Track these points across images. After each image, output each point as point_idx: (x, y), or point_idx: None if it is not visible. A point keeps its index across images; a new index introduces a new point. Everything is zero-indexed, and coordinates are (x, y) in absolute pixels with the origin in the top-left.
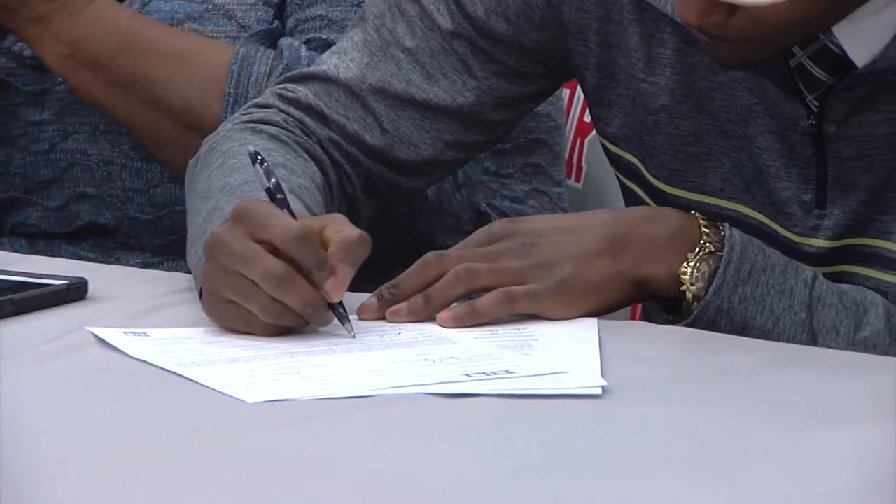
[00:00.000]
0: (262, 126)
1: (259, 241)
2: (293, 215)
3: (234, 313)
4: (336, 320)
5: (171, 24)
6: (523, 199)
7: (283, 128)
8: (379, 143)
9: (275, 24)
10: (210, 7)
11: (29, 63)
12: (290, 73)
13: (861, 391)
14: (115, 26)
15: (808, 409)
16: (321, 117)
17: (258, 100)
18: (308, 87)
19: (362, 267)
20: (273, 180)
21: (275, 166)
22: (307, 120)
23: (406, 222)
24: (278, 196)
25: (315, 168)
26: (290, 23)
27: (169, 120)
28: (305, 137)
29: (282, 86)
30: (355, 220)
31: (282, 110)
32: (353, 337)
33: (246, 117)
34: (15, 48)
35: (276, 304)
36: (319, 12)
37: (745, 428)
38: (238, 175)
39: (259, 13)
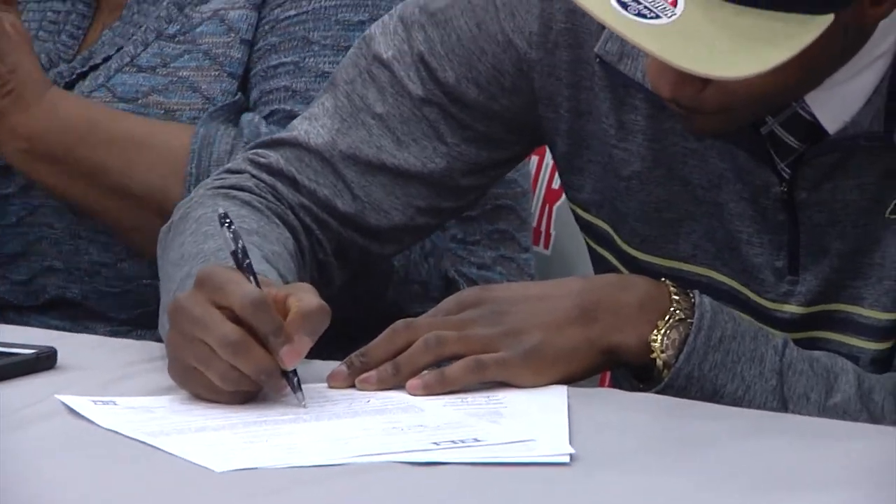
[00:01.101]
0: (234, 192)
1: (219, 307)
2: (257, 281)
3: (197, 379)
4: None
5: (136, 97)
6: (490, 265)
7: (255, 194)
8: (350, 209)
9: (238, 97)
10: (174, 79)
11: None
12: (261, 139)
13: (833, 458)
14: (70, 118)
15: (779, 476)
16: (292, 183)
17: (230, 165)
18: (279, 152)
19: (333, 336)
20: (240, 244)
21: (248, 233)
22: (279, 186)
23: (375, 292)
24: (244, 261)
25: (287, 234)
26: (255, 94)
27: (133, 207)
28: (277, 203)
29: (253, 151)
30: (328, 286)
31: (254, 176)
32: (305, 406)
33: (218, 183)
34: None
35: (234, 371)
36: (283, 83)
37: (716, 496)
38: (212, 242)
39: (223, 85)
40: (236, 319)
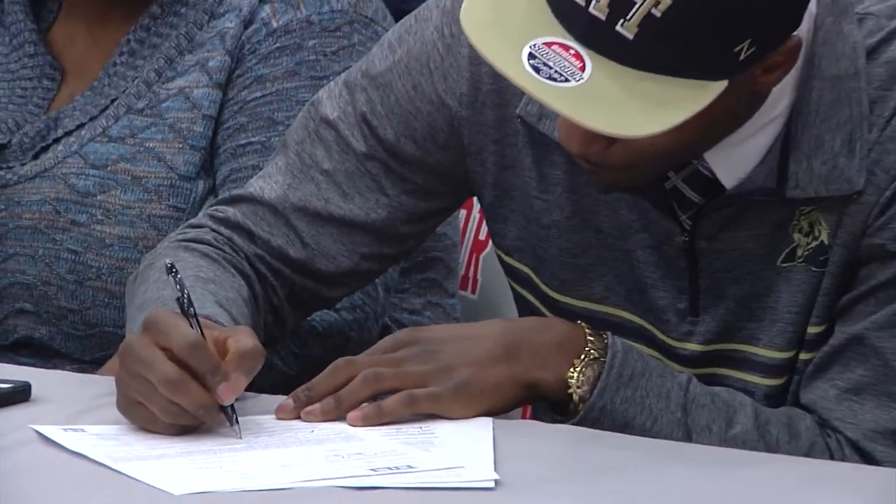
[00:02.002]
0: (194, 244)
1: (162, 348)
2: (199, 324)
3: (140, 413)
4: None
5: (106, 164)
6: (420, 310)
7: (213, 246)
8: (301, 256)
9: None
10: (141, 150)
11: None
12: (220, 197)
13: (732, 484)
14: None
15: (685, 499)
16: (248, 235)
17: (192, 220)
18: (236, 207)
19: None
20: (185, 292)
21: (205, 281)
22: (235, 237)
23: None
24: (188, 307)
25: (242, 282)
26: (225, 170)
27: None
28: (234, 254)
29: (213, 208)
30: (282, 328)
31: (213, 229)
32: (240, 438)
33: (181, 236)
34: None
35: (173, 406)
36: (251, 162)
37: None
38: (170, 289)
39: (186, 156)
40: (177, 360)
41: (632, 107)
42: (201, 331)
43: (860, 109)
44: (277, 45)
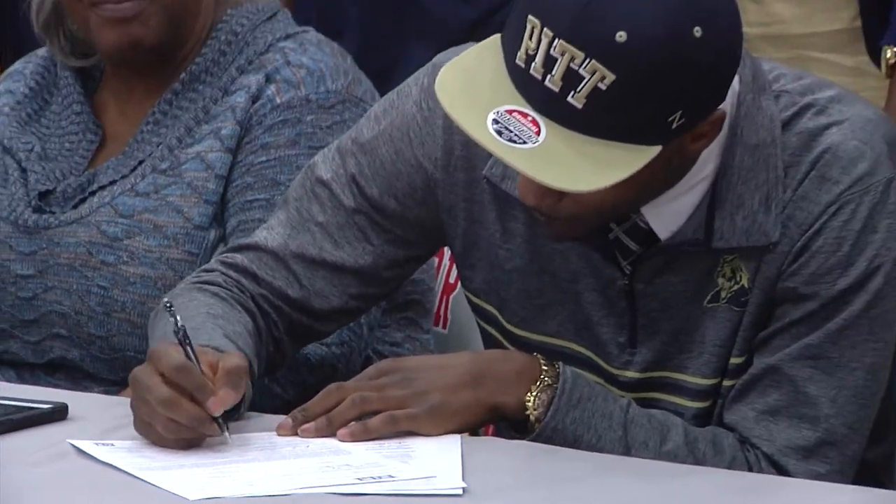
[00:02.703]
0: (206, 286)
1: (160, 374)
2: (194, 352)
3: (150, 431)
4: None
5: (132, 214)
6: (400, 343)
7: (223, 287)
8: (298, 296)
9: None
10: (163, 203)
11: (22, 227)
12: (230, 245)
13: (665, 492)
14: None
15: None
16: (254, 277)
17: (206, 266)
18: (244, 254)
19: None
20: (180, 325)
21: (215, 317)
22: (243, 280)
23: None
24: (184, 338)
25: (247, 318)
26: (234, 222)
27: None
28: (241, 294)
29: (224, 255)
30: (282, 357)
31: (223, 273)
32: (229, 443)
33: (196, 279)
34: (12, 216)
35: (172, 422)
36: (257, 216)
37: None
38: (187, 323)
39: (200, 209)
40: (171, 382)
41: (579, 166)
42: (195, 357)
43: (776, 173)
44: (280, 118)
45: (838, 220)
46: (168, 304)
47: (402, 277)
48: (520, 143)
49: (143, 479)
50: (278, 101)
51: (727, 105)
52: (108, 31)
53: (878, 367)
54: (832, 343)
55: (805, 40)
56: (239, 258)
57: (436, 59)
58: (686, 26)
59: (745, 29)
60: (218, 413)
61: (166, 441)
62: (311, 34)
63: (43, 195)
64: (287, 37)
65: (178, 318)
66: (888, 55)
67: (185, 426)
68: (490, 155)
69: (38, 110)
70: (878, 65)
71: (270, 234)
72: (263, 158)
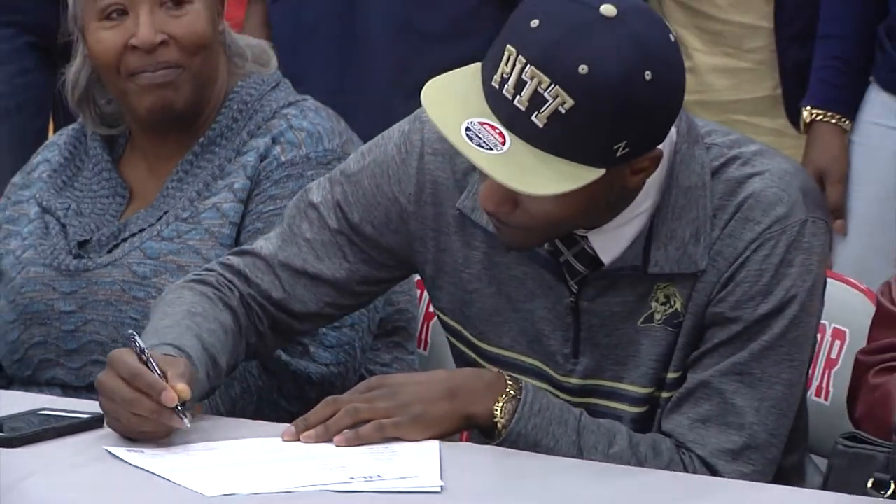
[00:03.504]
0: (196, 285)
1: (121, 378)
2: (153, 362)
3: (119, 427)
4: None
5: (159, 256)
6: (389, 363)
7: (213, 286)
8: (280, 298)
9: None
10: (184, 246)
11: (63, 271)
12: (233, 250)
13: (611, 489)
14: None
15: (585, 497)
16: (245, 279)
17: (207, 265)
18: (241, 258)
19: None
20: (139, 346)
21: (193, 315)
22: (235, 280)
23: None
24: (142, 352)
25: (227, 315)
26: None
27: None
28: (230, 293)
29: (226, 257)
30: (266, 348)
31: (219, 273)
32: (187, 427)
33: (191, 277)
34: (55, 262)
35: (135, 417)
36: None
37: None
38: (167, 320)
39: (217, 251)
40: (128, 384)
41: (533, 174)
42: (156, 365)
43: (705, 212)
44: (285, 173)
45: (759, 255)
46: (130, 334)
47: (372, 294)
48: (486, 149)
49: (167, 479)
50: (283, 159)
51: (666, 151)
52: (145, 96)
53: (795, 382)
54: (755, 361)
55: (733, 106)
56: (236, 261)
57: (417, 111)
58: (639, 69)
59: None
60: (171, 404)
61: (135, 433)
62: (310, 101)
63: (81, 244)
64: (289, 104)
65: (135, 339)
66: (804, 115)
67: (147, 418)
68: (455, 195)
69: (72, 176)
70: (797, 127)
71: (266, 243)
72: (271, 207)
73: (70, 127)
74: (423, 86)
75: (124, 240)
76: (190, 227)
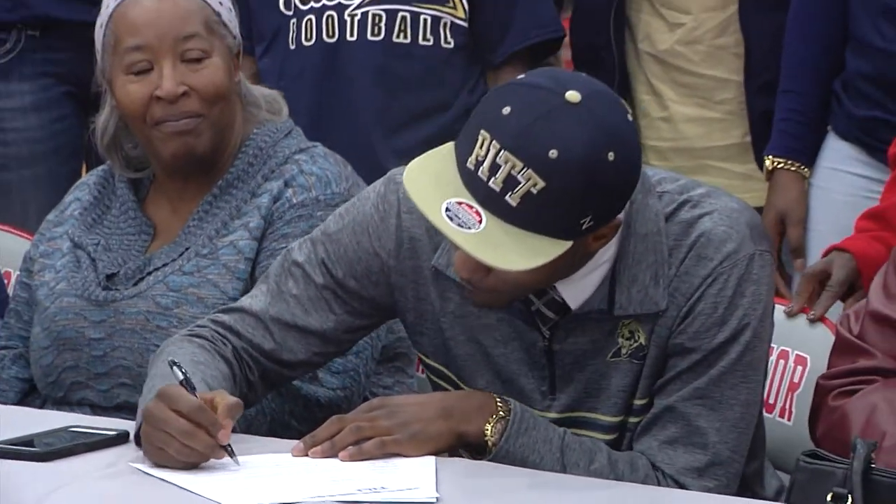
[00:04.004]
0: (195, 338)
1: (174, 410)
2: (195, 392)
3: (161, 455)
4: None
5: (180, 289)
6: (391, 386)
7: (208, 340)
8: (271, 349)
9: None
10: (204, 280)
11: (93, 302)
12: (222, 308)
13: (590, 499)
14: None
15: None
16: (237, 334)
17: (200, 322)
18: (230, 315)
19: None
20: (184, 375)
21: (196, 364)
22: (228, 335)
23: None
24: (188, 383)
25: (224, 366)
26: None
27: None
28: (223, 346)
29: (216, 314)
30: (256, 397)
31: (212, 329)
32: (238, 465)
33: (188, 332)
34: (86, 293)
35: (186, 448)
36: None
37: None
38: (175, 369)
39: (233, 284)
40: (187, 417)
41: (509, 250)
42: (194, 393)
43: (662, 255)
44: (297, 214)
45: (714, 289)
46: (173, 363)
47: (354, 340)
48: (465, 228)
49: (189, 490)
50: (294, 201)
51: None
52: (169, 142)
53: (752, 401)
54: (714, 385)
55: (705, 152)
56: (226, 318)
57: (390, 172)
58: (603, 151)
59: (659, 143)
60: (225, 442)
61: (176, 462)
62: (320, 148)
63: (109, 277)
64: (301, 150)
65: (184, 371)
66: (767, 163)
67: (198, 451)
68: (431, 249)
69: (101, 215)
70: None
71: (254, 301)
72: (283, 245)
73: (99, 168)
74: (399, 127)
75: (149, 273)
76: (209, 263)
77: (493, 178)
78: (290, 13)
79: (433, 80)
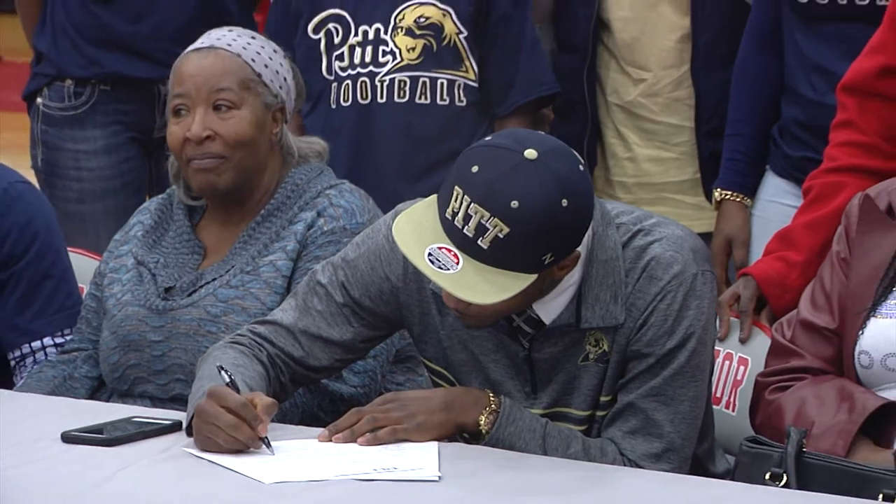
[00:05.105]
0: (236, 345)
1: (222, 406)
2: (238, 392)
3: (210, 443)
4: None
5: (227, 300)
6: (403, 383)
7: (248, 346)
8: (300, 356)
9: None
10: (246, 293)
11: (154, 310)
12: (257, 319)
13: (566, 477)
14: None
15: (551, 483)
16: (270, 343)
17: (240, 331)
18: (266, 327)
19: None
20: (230, 378)
21: (236, 366)
22: (264, 343)
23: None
24: (233, 384)
25: (261, 368)
26: None
27: None
28: (259, 352)
29: (253, 324)
30: (285, 395)
31: (251, 338)
32: (272, 453)
33: (231, 339)
34: (147, 303)
35: (231, 438)
36: None
37: (525, 491)
38: (214, 372)
39: (272, 297)
40: (233, 412)
41: (483, 287)
42: (238, 391)
43: (620, 277)
44: (327, 240)
45: (663, 304)
46: (221, 368)
47: (369, 348)
48: (445, 270)
49: (233, 469)
50: (325, 229)
51: (586, 235)
52: (196, 177)
53: (699, 396)
54: (667, 384)
55: (663, 186)
56: (262, 329)
57: (397, 207)
58: (558, 199)
59: (625, 179)
60: (264, 434)
61: (222, 449)
62: (347, 185)
63: (167, 289)
64: (331, 187)
65: (230, 374)
66: (716, 194)
67: (242, 441)
68: None
69: (160, 237)
70: (711, 202)
71: (284, 315)
72: (316, 266)
73: (159, 196)
74: (422, 174)
75: (201, 286)
76: (252, 278)
77: (466, 226)
78: (332, 78)
79: (449, 134)
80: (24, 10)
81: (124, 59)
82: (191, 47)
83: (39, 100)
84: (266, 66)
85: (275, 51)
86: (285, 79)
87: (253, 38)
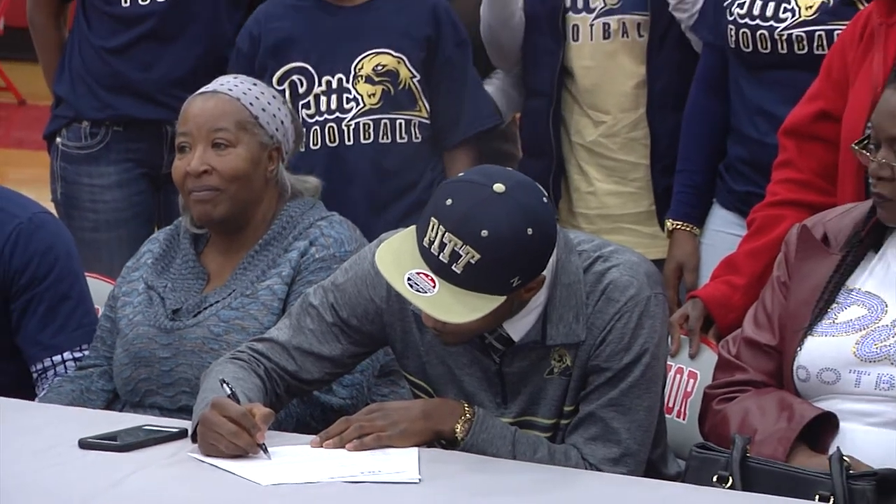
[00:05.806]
0: (236, 360)
1: (224, 416)
2: (239, 403)
3: (211, 449)
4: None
5: (228, 321)
6: (387, 395)
7: (246, 361)
8: (293, 370)
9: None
10: (245, 314)
11: (162, 329)
12: (256, 336)
13: (531, 478)
14: None
15: (522, 484)
16: (267, 358)
17: (240, 347)
18: (263, 344)
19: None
20: (231, 390)
21: (236, 379)
22: (261, 359)
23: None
24: (234, 396)
25: (258, 381)
26: None
27: None
28: (257, 366)
29: (251, 342)
30: (281, 405)
31: (250, 354)
32: (269, 458)
33: (230, 355)
34: (156, 323)
35: (232, 445)
36: None
37: (498, 492)
38: (217, 385)
39: (269, 317)
40: (234, 421)
41: (457, 308)
42: (239, 402)
43: (581, 299)
44: (319, 266)
45: (620, 323)
46: (223, 380)
47: (356, 363)
48: (423, 293)
49: (232, 472)
50: (317, 256)
51: (550, 260)
52: (195, 207)
53: (653, 406)
54: (624, 396)
55: (621, 217)
56: (260, 346)
57: (381, 236)
58: (523, 229)
59: (587, 211)
60: (261, 441)
61: (224, 455)
62: (336, 216)
63: (174, 311)
64: (322, 218)
65: (231, 387)
66: (668, 224)
67: (242, 447)
68: None
69: (168, 264)
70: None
71: (280, 332)
72: (309, 290)
73: (167, 227)
74: (388, 205)
75: (205, 308)
76: (251, 301)
77: (441, 253)
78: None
79: (408, 167)
80: (45, 59)
81: (135, 103)
82: (198, 91)
83: (59, 139)
84: (264, 109)
85: (274, 96)
86: (282, 122)
87: (254, 84)
